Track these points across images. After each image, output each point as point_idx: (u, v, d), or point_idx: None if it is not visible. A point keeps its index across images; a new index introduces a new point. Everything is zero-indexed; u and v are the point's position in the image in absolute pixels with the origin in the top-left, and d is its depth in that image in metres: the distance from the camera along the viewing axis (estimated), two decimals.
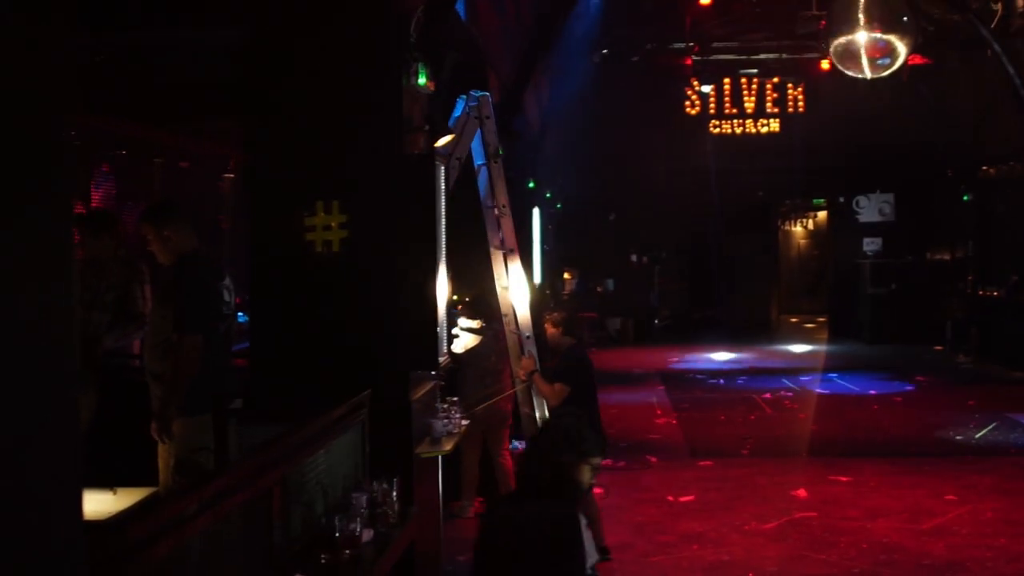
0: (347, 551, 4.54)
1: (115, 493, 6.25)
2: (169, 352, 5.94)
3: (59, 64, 2.25)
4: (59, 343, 2.24)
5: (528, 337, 8.23)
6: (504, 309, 8.26)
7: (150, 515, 3.27)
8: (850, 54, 11.73)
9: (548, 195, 21.36)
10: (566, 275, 22.75)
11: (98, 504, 5.17)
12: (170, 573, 3.27)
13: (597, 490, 9.60)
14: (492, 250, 8.24)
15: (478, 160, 8.23)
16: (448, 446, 6.64)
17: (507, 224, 8.15)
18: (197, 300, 6.03)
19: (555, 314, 7.93)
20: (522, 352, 8.24)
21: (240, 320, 7.78)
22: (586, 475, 4.22)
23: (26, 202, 2.13)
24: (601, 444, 4.33)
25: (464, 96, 7.97)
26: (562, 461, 4.15)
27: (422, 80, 6.56)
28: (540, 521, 4.04)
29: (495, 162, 8.15)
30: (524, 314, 8.23)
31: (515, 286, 8.23)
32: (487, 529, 4.24)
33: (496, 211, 8.20)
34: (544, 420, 4.45)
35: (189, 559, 3.44)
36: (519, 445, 8.91)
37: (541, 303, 15.48)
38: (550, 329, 7.88)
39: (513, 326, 8.25)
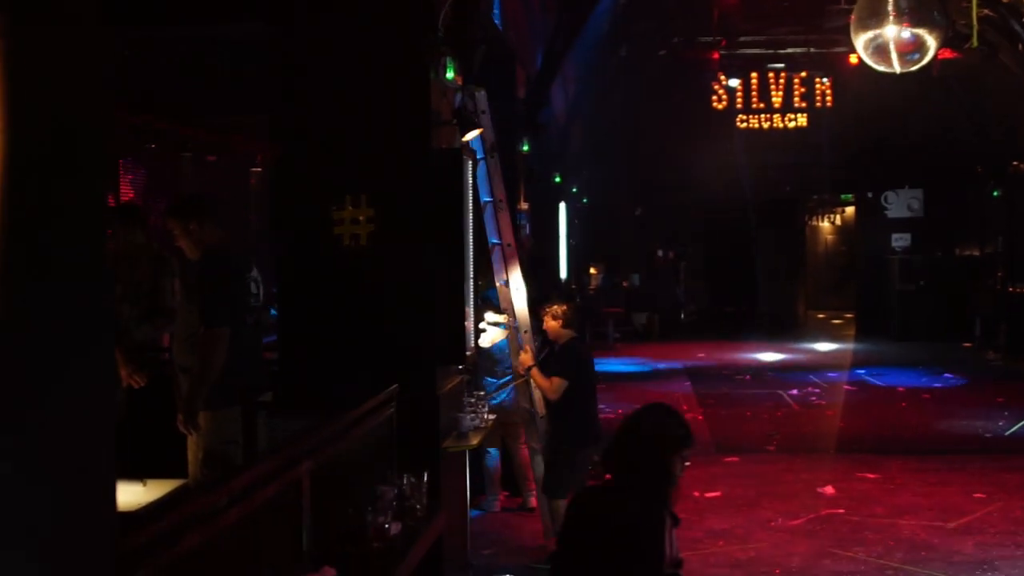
0: (376, 544, 4.55)
1: (145, 485, 6.32)
2: (197, 345, 5.97)
3: (93, 58, 2.26)
4: (95, 336, 2.25)
5: (526, 332, 8.21)
6: (503, 305, 8.23)
7: (180, 507, 3.28)
8: (879, 48, 11.64)
9: (574, 189, 21.35)
10: (592, 270, 22.73)
11: (128, 495, 5.22)
12: (199, 565, 3.29)
13: None
14: (490, 245, 8.22)
15: (477, 155, 8.21)
16: (475, 440, 6.65)
17: (504, 219, 8.10)
18: (223, 293, 6.04)
19: (554, 307, 7.89)
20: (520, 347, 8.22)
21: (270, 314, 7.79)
22: (678, 468, 4.04)
23: (61, 196, 2.15)
24: (689, 435, 4.18)
25: (461, 91, 7.96)
26: (656, 454, 4.01)
27: (450, 74, 6.56)
28: (625, 515, 3.94)
29: (492, 157, 8.13)
30: (522, 309, 8.21)
31: (513, 281, 8.20)
32: (573, 517, 4.13)
33: (494, 206, 8.17)
34: (635, 412, 4.30)
35: (218, 551, 3.46)
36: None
37: (569, 298, 15.45)
38: (549, 322, 7.83)
39: (512, 321, 8.23)
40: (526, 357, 7.90)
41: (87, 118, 2.24)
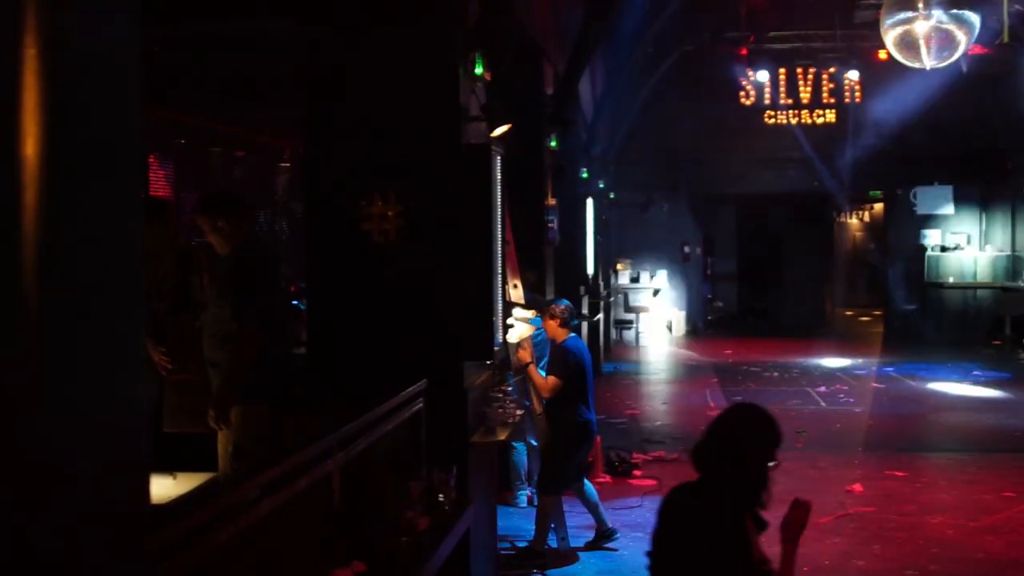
0: (405, 538, 4.57)
1: (175, 478, 6.36)
2: (228, 341, 5.99)
3: (126, 54, 2.28)
4: (126, 332, 2.27)
5: None
6: None
7: (210, 500, 3.30)
8: (908, 44, 11.58)
9: (601, 185, 21.29)
10: (619, 266, 22.69)
11: (159, 488, 5.24)
12: (230, 558, 3.31)
13: (650, 482, 9.60)
14: None
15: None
16: (503, 435, 6.65)
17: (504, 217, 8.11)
18: (254, 289, 6.06)
19: (554, 307, 7.94)
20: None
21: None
22: (768, 468, 3.98)
23: (94, 192, 2.16)
24: (779, 435, 4.12)
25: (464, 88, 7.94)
26: (746, 455, 3.96)
27: (479, 70, 6.56)
28: (711, 516, 3.88)
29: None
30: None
31: (512, 278, 8.19)
32: (664, 516, 4.05)
33: None
34: (725, 412, 4.26)
35: (248, 545, 3.48)
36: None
37: (593, 295, 15.42)
38: (548, 321, 7.88)
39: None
40: (524, 354, 7.92)
41: (121, 120, 2.26)
